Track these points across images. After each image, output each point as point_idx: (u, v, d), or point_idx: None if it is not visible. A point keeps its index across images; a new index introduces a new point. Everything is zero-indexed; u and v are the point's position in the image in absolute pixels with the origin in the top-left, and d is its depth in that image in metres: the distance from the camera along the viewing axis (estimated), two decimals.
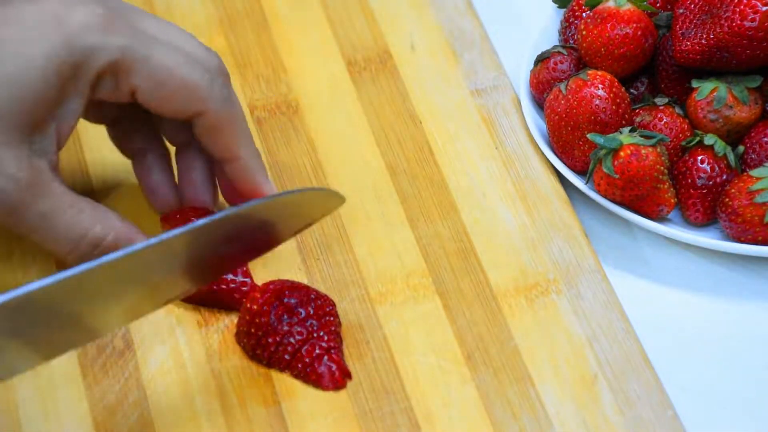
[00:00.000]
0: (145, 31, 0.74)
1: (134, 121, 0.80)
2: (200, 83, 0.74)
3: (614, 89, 0.83)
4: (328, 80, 0.92)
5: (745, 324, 0.80)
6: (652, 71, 0.88)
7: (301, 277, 0.80)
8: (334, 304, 0.77)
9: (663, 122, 0.85)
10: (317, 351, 0.75)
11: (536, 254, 0.81)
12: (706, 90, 0.84)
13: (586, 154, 0.84)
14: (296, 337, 0.75)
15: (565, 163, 0.85)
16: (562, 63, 0.88)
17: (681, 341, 0.79)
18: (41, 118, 0.72)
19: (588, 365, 0.76)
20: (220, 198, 0.82)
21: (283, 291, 0.76)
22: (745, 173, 0.82)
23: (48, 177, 0.72)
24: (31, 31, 0.71)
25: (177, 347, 0.77)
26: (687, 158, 0.84)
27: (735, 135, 0.85)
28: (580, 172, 0.85)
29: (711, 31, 0.82)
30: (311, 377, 0.75)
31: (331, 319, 0.76)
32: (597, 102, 0.83)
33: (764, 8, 0.81)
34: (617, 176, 0.81)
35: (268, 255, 0.80)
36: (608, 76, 0.84)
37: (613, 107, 0.83)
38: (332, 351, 0.75)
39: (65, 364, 0.75)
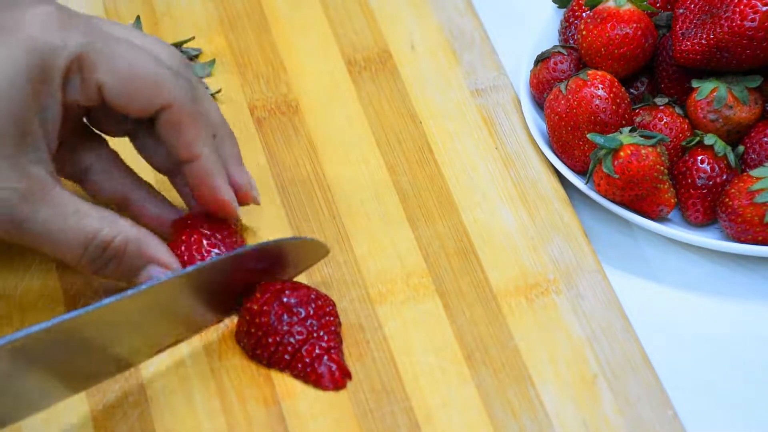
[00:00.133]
0: (102, 29, 0.74)
1: (106, 170, 0.79)
2: (164, 77, 0.74)
3: (614, 89, 0.83)
4: (328, 80, 0.92)
5: (745, 324, 0.80)
6: (652, 71, 0.88)
7: (301, 277, 0.80)
8: (334, 304, 0.77)
9: (663, 122, 0.85)
10: (317, 351, 0.75)
11: (536, 254, 0.81)
12: (706, 90, 0.84)
13: (586, 154, 0.84)
14: (296, 337, 0.75)
15: (565, 163, 0.85)
16: (562, 63, 0.88)
17: (681, 341, 0.79)
18: (26, 126, 0.71)
19: (588, 365, 0.76)
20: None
21: (283, 291, 0.76)
22: (745, 173, 0.82)
23: (48, 184, 0.72)
24: None
25: (177, 347, 0.77)
26: (687, 158, 0.84)
27: (735, 135, 0.85)
28: (580, 172, 0.85)
29: (711, 31, 0.82)
30: (311, 377, 0.75)
31: (331, 319, 0.76)
32: (597, 102, 0.83)
33: (764, 8, 0.81)
34: (617, 176, 0.81)
35: None
36: (608, 76, 0.84)
37: (613, 107, 0.83)
38: (332, 351, 0.75)
39: None
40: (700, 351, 0.79)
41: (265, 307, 0.75)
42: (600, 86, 0.83)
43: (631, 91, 0.88)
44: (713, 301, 0.81)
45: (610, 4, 0.86)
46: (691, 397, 0.76)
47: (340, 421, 0.74)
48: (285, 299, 0.75)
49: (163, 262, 0.75)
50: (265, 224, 0.83)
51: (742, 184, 0.81)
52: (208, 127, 0.76)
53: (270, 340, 0.75)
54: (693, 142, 0.84)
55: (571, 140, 0.84)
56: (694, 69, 0.85)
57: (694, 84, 0.85)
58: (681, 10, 0.85)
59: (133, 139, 0.79)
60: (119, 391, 0.75)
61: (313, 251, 0.79)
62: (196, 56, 0.93)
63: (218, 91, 0.90)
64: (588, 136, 0.82)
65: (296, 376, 0.75)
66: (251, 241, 0.81)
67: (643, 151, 0.81)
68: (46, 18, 0.71)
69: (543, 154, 0.87)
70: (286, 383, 0.75)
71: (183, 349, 0.77)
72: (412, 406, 0.74)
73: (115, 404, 0.74)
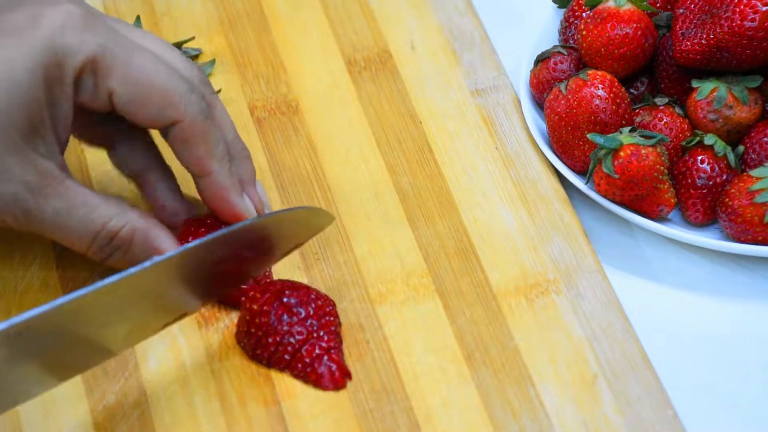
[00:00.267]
0: (122, 34, 0.74)
1: (133, 142, 0.79)
2: (177, 91, 0.73)
3: (614, 89, 0.83)
4: (328, 80, 0.92)
5: (745, 324, 0.80)
6: (652, 71, 0.88)
7: (301, 277, 0.80)
8: (334, 304, 0.77)
9: (663, 122, 0.85)
10: (317, 351, 0.75)
11: (536, 254, 0.81)
12: (706, 90, 0.84)
13: (586, 154, 0.84)
14: (296, 337, 0.75)
15: (565, 163, 0.85)
16: (562, 63, 0.88)
17: (681, 341, 0.79)
18: (37, 122, 0.72)
19: (588, 365, 0.76)
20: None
21: (283, 291, 0.76)
22: (745, 173, 0.82)
23: (58, 177, 0.73)
24: (11, 37, 0.71)
25: (177, 347, 0.77)
26: (687, 158, 0.84)
27: (735, 135, 0.85)
28: (580, 172, 0.85)
29: (711, 31, 0.82)
30: (311, 377, 0.75)
31: (331, 319, 0.76)
32: (597, 102, 0.83)
33: (764, 8, 0.81)
34: (617, 176, 0.81)
35: None
36: (608, 76, 0.84)
37: (613, 107, 0.83)
38: (332, 351, 0.75)
39: None
40: (700, 351, 0.79)
41: (265, 307, 0.75)
42: (600, 86, 0.83)
43: (631, 91, 0.88)
44: (713, 301, 0.81)
45: (610, 4, 0.86)
46: (691, 397, 0.76)
47: (340, 421, 0.74)
48: (285, 299, 0.75)
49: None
50: None
51: (742, 184, 0.81)
52: (221, 143, 0.76)
53: (270, 340, 0.75)
54: (693, 142, 0.84)
55: (571, 140, 0.84)
56: (694, 69, 0.85)
57: (694, 84, 0.85)
58: (681, 10, 0.85)
59: (110, 150, 0.80)
60: (119, 391, 0.75)
61: (317, 220, 0.78)
62: (196, 56, 0.93)
63: (218, 91, 0.90)
64: (588, 136, 0.82)
65: (296, 376, 0.75)
66: None
67: (643, 151, 0.81)
68: (66, 17, 0.72)
69: (543, 154, 0.87)
70: (286, 383, 0.75)
71: (183, 349, 0.77)
72: (412, 406, 0.74)
73: (115, 404, 0.74)
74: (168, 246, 0.75)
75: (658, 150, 0.81)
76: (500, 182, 0.85)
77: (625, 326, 0.78)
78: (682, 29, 0.84)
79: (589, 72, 0.84)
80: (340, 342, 0.76)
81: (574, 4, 0.91)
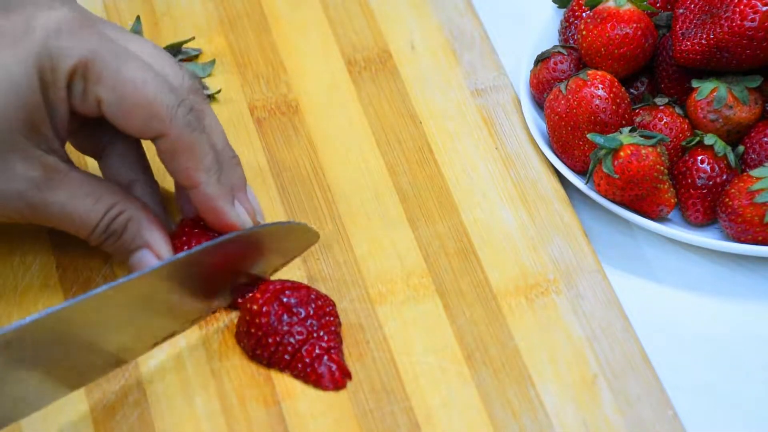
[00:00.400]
0: (115, 41, 0.74)
1: (122, 154, 0.80)
2: (163, 104, 0.73)
3: (614, 89, 0.83)
4: (328, 80, 0.92)
5: (745, 324, 0.80)
6: (652, 71, 0.88)
7: (301, 277, 0.80)
8: (334, 304, 0.77)
9: (663, 122, 0.85)
10: (317, 351, 0.75)
11: (536, 254, 0.81)
12: (706, 90, 0.84)
13: (586, 154, 0.84)
14: (296, 337, 0.75)
15: (565, 163, 0.85)
16: (562, 63, 0.88)
17: (681, 341, 0.79)
18: (37, 121, 0.72)
19: (588, 365, 0.76)
20: None
21: (283, 291, 0.76)
22: (745, 173, 0.82)
23: (62, 170, 0.73)
24: (6, 41, 0.71)
25: (177, 347, 0.77)
26: (687, 158, 0.84)
27: (735, 135, 0.85)
28: (580, 172, 0.85)
29: (711, 31, 0.82)
30: (311, 377, 0.75)
31: (331, 319, 0.76)
32: (597, 102, 0.83)
33: (764, 8, 0.81)
34: (617, 176, 0.81)
35: None
36: (608, 76, 0.84)
37: (613, 107, 0.83)
38: (332, 351, 0.75)
39: None
40: (700, 351, 0.79)
41: (265, 308, 0.75)
42: (600, 86, 0.83)
43: (631, 91, 0.88)
44: (713, 301, 0.81)
45: (610, 4, 0.86)
46: (691, 397, 0.76)
47: (340, 421, 0.74)
48: (285, 299, 0.75)
49: (155, 250, 0.75)
50: None
51: (742, 184, 0.81)
52: (209, 154, 0.76)
53: (270, 340, 0.75)
54: (693, 142, 0.84)
55: (571, 140, 0.84)
56: (694, 69, 0.85)
57: (694, 84, 0.85)
58: (681, 10, 0.85)
59: (99, 160, 0.80)
60: (119, 391, 0.75)
61: (304, 237, 0.79)
62: (196, 56, 0.93)
63: (218, 91, 0.90)
64: (588, 136, 0.82)
65: (296, 376, 0.75)
66: None
67: (643, 151, 0.81)
68: (60, 21, 0.72)
69: (543, 154, 0.87)
70: (286, 383, 0.75)
71: (183, 349, 0.77)
72: (412, 406, 0.74)
73: (115, 404, 0.74)
74: (157, 242, 0.76)
75: (658, 150, 0.81)
76: (500, 182, 0.85)
77: (625, 326, 0.78)
78: (682, 29, 0.84)
79: (589, 72, 0.84)
80: (340, 342, 0.76)
81: (574, 4, 0.91)
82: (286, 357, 0.75)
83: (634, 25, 0.85)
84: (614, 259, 0.83)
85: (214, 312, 0.78)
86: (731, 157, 0.83)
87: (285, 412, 0.74)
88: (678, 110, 0.85)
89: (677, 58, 0.84)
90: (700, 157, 0.83)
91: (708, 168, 0.83)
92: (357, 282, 0.80)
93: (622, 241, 0.84)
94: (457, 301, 0.79)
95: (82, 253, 0.80)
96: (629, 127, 0.82)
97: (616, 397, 0.74)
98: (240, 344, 0.77)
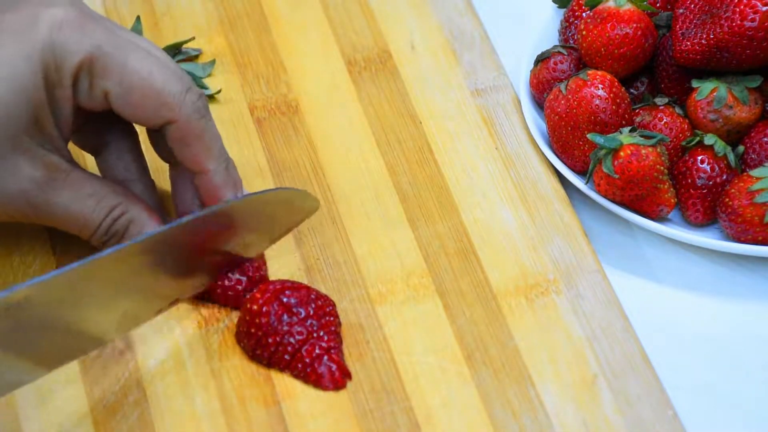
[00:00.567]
0: (119, 35, 0.74)
1: (120, 152, 0.80)
2: (172, 91, 0.74)
3: (614, 89, 0.83)
4: (328, 80, 0.92)
5: (745, 324, 0.80)
6: (652, 71, 0.88)
7: (301, 277, 0.80)
8: (334, 304, 0.77)
9: (663, 122, 0.85)
10: (317, 351, 0.75)
11: (536, 254, 0.81)
12: (706, 90, 0.84)
13: (586, 154, 0.84)
14: (296, 337, 0.75)
15: (565, 163, 0.85)
16: (562, 63, 0.88)
17: (681, 341, 0.79)
18: (42, 120, 0.72)
19: (588, 365, 0.76)
20: None
21: (283, 291, 0.76)
22: (745, 173, 0.82)
23: (65, 170, 0.74)
24: (11, 38, 0.71)
25: (177, 347, 0.77)
26: (687, 158, 0.84)
27: (735, 135, 0.85)
28: (580, 172, 0.85)
29: (711, 31, 0.82)
30: (311, 377, 0.75)
31: (331, 319, 0.76)
32: (597, 102, 0.83)
33: (764, 8, 0.81)
34: (617, 176, 0.81)
35: (269, 254, 0.80)
36: (608, 76, 0.84)
37: (613, 107, 0.83)
38: (332, 351, 0.75)
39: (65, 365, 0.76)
40: (700, 351, 0.79)
41: (265, 308, 0.75)
42: (600, 86, 0.83)
43: (631, 91, 0.88)
44: (713, 301, 0.81)
45: (610, 4, 0.86)
46: (691, 397, 0.76)
47: (340, 421, 0.74)
48: (285, 299, 0.75)
49: None
50: None
51: (742, 184, 0.81)
52: (218, 142, 0.76)
53: (270, 340, 0.75)
54: (693, 142, 0.84)
55: (571, 140, 0.84)
56: (694, 69, 0.85)
57: (694, 84, 0.85)
58: (681, 10, 0.85)
59: (96, 157, 0.80)
60: (119, 391, 0.75)
61: (300, 204, 0.79)
62: (196, 56, 0.93)
63: (218, 92, 0.90)
64: (588, 136, 0.82)
65: (296, 376, 0.75)
66: None
67: (643, 151, 0.81)
68: (62, 18, 0.72)
69: (543, 154, 0.87)
70: (286, 383, 0.75)
71: (183, 349, 0.77)
72: (412, 406, 0.74)
73: (115, 404, 0.74)
74: None
75: (658, 150, 0.81)
76: (500, 182, 0.85)
77: (625, 326, 0.78)
78: (682, 29, 0.84)
79: (589, 72, 0.84)
80: (340, 342, 0.76)
81: (574, 4, 0.91)
82: (286, 357, 0.75)
83: (634, 25, 0.85)
84: (614, 259, 0.83)
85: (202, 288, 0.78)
86: (731, 157, 0.83)
87: (285, 412, 0.74)
88: (678, 110, 0.85)
89: (677, 58, 0.84)
90: (700, 157, 0.83)
91: (708, 168, 0.83)
92: (357, 282, 0.80)
93: (622, 241, 0.84)
94: (457, 301, 0.79)
95: (82, 254, 0.80)
96: (629, 127, 0.82)
97: (616, 397, 0.74)
98: (240, 344, 0.77)
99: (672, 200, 0.82)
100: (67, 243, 0.80)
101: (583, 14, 0.90)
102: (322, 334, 0.75)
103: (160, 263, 0.73)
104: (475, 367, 0.76)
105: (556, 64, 0.88)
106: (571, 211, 0.84)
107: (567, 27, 0.91)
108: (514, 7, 0.98)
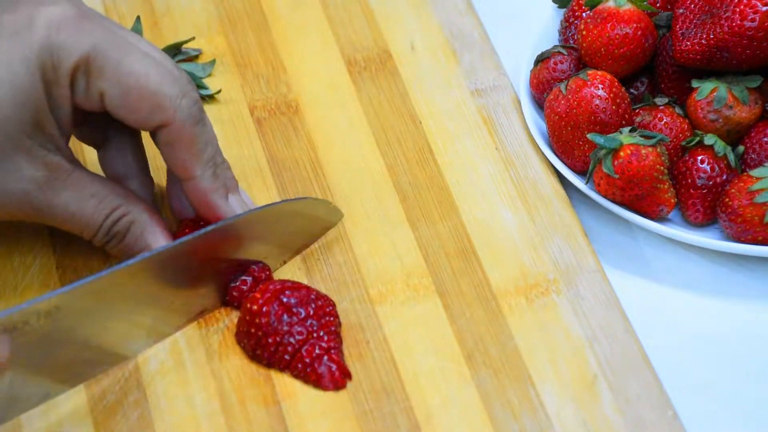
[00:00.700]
0: (117, 35, 0.74)
1: (120, 147, 0.80)
2: (167, 95, 0.73)
3: (614, 89, 0.83)
4: (328, 80, 0.92)
5: (745, 324, 0.80)
6: (652, 71, 0.88)
7: (301, 277, 0.80)
8: (334, 304, 0.77)
9: (663, 122, 0.85)
10: (317, 351, 0.75)
11: (536, 254, 0.81)
12: (706, 90, 0.84)
13: (586, 154, 0.84)
14: (296, 337, 0.75)
15: (565, 163, 0.85)
16: (562, 63, 0.88)
17: (681, 341, 0.79)
18: (41, 120, 0.72)
19: (588, 365, 0.76)
20: None
21: (283, 291, 0.76)
22: (745, 173, 0.82)
23: (66, 170, 0.73)
24: (9, 38, 0.71)
25: (177, 347, 0.77)
26: (687, 158, 0.84)
27: (735, 135, 0.85)
28: (580, 172, 0.85)
29: (711, 31, 0.82)
30: (311, 377, 0.75)
31: (331, 319, 0.76)
32: (597, 102, 0.83)
33: (764, 8, 0.81)
34: (617, 176, 0.81)
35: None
36: (608, 76, 0.84)
37: (613, 107, 0.83)
38: (332, 351, 0.75)
39: None
40: (700, 351, 0.79)
41: (265, 308, 0.75)
42: (600, 86, 0.83)
43: (631, 91, 0.88)
44: (713, 301, 0.81)
45: (610, 4, 0.86)
46: (691, 397, 0.76)
47: (340, 421, 0.74)
48: (285, 299, 0.75)
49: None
50: None
51: (742, 184, 0.81)
52: (209, 148, 0.76)
53: (270, 340, 0.75)
54: (693, 142, 0.84)
55: (571, 140, 0.84)
56: (694, 69, 0.85)
57: (694, 84, 0.85)
58: (681, 10, 0.85)
59: (98, 150, 0.80)
60: (119, 391, 0.75)
61: (319, 215, 0.79)
62: (196, 56, 0.93)
63: (218, 92, 0.90)
64: (588, 136, 0.82)
65: (296, 376, 0.75)
66: None
67: (643, 151, 0.81)
68: (60, 17, 0.72)
69: (543, 154, 0.87)
70: (286, 383, 0.75)
71: (183, 349, 0.77)
72: (412, 406, 0.74)
73: (115, 404, 0.74)
74: (159, 243, 0.76)
75: (658, 150, 0.81)
76: (500, 182, 0.85)
77: (625, 326, 0.78)
78: (682, 29, 0.84)
79: (589, 72, 0.84)
80: (340, 342, 0.76)
81: (574, 4, 0.91)
82: (286, 357, 0.75)
83: (634, 25, 0.85)
84: (614, 259, 0.83)
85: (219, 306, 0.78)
86: (731, 157, 0.83)
87: (285, 412, 0.74)
88: (678, 110, 0.85)
89: (677, 58, 0.84)
90: (700, 157, 0.83)
91: (708, 168, 0.83)
92: (357, 282, 0.80)
93: (622, 241, 0.84)
94: (457, 301, 0.79)
95: (82, 254, 0.80)
96: (629, 127, 0.82)
97: (616, 397, 0.74)
98: (240, 344, 0.77)
99: (672, 200, 0.82)
100: (67, 243, 0.80)
101: (583, 14, 0.90)
102: (322, 334, 0.75)
103: (179, 275, 0.74)
104: (475, 367, 0.76)
105: (556, 64, 0.88)
106: (571, 211, 0.84)
107: (567, 27, 0.91)
108: (514, 7, 0.98)
